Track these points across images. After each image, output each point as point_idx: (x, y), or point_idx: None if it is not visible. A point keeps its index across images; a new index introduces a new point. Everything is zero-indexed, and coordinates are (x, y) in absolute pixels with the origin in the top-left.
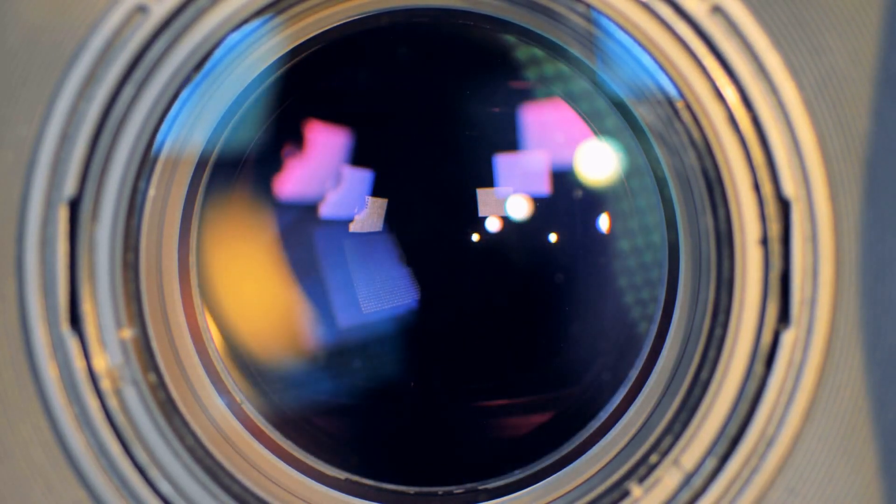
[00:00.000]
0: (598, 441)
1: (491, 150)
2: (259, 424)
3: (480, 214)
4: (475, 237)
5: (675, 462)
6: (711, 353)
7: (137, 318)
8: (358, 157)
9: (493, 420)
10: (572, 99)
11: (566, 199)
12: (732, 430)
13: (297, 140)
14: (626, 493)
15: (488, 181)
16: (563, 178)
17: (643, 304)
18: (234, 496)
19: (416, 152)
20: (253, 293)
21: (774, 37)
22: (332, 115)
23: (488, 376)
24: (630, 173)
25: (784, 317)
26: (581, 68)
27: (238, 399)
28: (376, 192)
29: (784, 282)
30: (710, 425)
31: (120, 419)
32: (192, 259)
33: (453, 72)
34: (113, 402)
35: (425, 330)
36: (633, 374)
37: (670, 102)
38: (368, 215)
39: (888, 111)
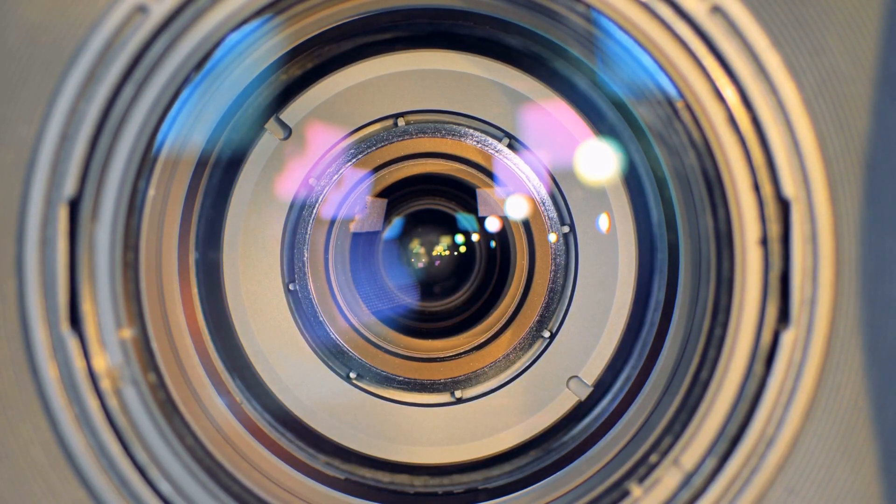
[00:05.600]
0: (598, 441)
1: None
2: (259, 425)
3: (480, 214)
4: (474, 237)
5: (675, 462)
6: (711, 353)
7: (137, 318)
8: (358, 157)
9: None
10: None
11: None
12: (732, 430)
13: (298, 140)
14: (626, 493)
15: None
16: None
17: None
18: (234, 496)
19: (415, 151)
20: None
21: (774, 37)
22: (332, 115)
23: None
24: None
25: (784, 317)
26: (581, 68)
27: (238, 399)
28: (376, 191)
29: (784, 282)
30: (710, 425)
31: (120, 419)
32: (192, 259)
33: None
34: (113, 402)
35: (424, 330)
36: (633, 374)
37: (670, 102)
38: (369, 215)
39: (888, 111)
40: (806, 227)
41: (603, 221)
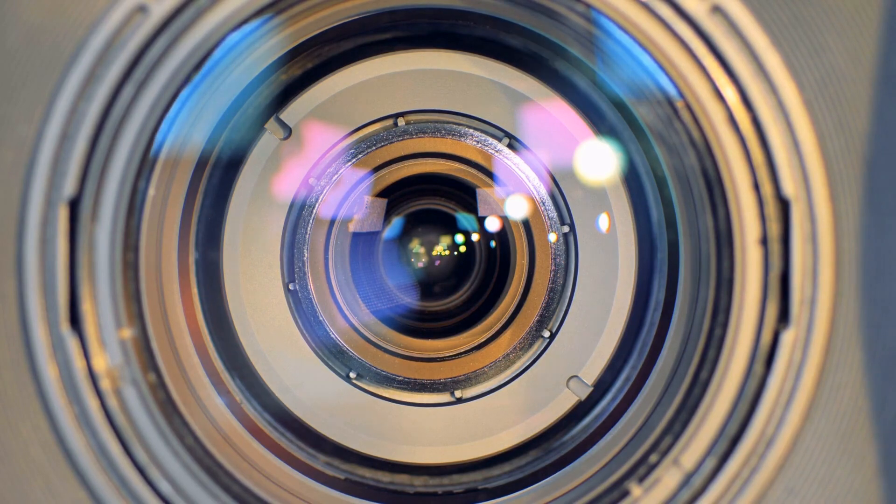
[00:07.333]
0: (597, 441)
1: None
2: (259, 424)
3: (480, 214)
4: (474, 237)
5: (675, 462)
6: (711, 353)
7: (137, 318)
8: (358, 157)
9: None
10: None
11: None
12: (732, 429)
13: (298, 140)
14: (625, 493)
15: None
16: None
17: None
18: (234, 496)
19: (415, 151)
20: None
21: (774, 37)
22: (332, 115)
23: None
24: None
25: (784, 317)
26: (581, 68)
27: (238, 399)
28: (376, 191)
29: (784, 282)
30: (710, 425)
31: (120, 419)
32: (192, 259)
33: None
34: (113, 402)
35: (424, 330)
36: (633, 374)
37: (670, 102)
38: (368, 215)
39: (888, 111)
40: (806, 227)
41: (603, 221)
